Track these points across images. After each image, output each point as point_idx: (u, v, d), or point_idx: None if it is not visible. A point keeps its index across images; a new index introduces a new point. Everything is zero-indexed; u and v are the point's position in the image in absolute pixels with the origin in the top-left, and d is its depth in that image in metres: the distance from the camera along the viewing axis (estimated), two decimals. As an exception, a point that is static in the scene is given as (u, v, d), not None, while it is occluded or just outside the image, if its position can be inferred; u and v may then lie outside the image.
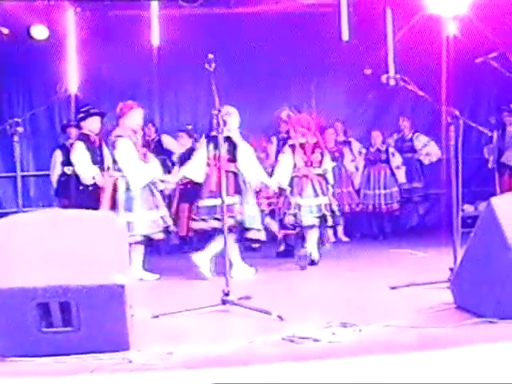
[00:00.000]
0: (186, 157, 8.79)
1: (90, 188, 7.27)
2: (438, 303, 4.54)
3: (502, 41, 8.04)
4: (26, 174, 9.89)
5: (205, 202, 6.44)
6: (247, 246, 7.30)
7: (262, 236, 6.64)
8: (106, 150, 7.51)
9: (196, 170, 6.67)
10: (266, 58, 9.69)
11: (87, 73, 9.51)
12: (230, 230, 6.34)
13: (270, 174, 7.22)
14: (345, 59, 9.75)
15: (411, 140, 10.11)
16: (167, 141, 9.25)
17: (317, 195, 7.20)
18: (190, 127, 9.18)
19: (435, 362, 3.24)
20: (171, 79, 10.01)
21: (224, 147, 6.30)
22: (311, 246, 7.21)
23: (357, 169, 9.95)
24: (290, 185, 7.16)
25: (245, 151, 6.62)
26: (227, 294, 4.70)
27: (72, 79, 9.57)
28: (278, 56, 9.71)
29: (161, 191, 6.95)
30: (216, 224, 6.29)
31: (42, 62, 9.52)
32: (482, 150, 9.91)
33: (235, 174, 6.52)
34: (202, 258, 6.39)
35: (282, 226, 7.29)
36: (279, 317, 4.33)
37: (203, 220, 6.40)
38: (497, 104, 10.06)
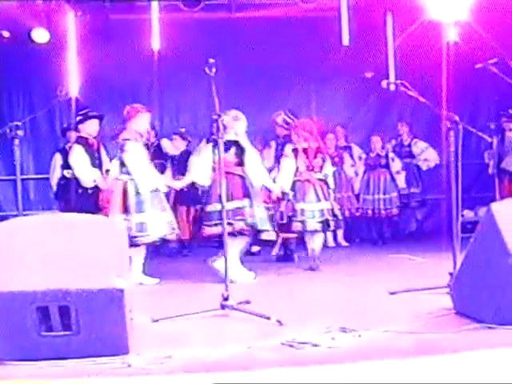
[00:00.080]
0: (180, 160, 8.81)
1: (90, 191, 7.28)
2: (437, 309, 4.54)
3: (502, 47, 8.04)
4: (26, 177, 9.89)
5: (215, 207, 6.39)
6: (246, 250, 7.30)
7: (274, 236, 6.73)
8: (104, 153, 7.53)
9: (202, 174, 6.66)
10: (267, 62, 9.69)
11: (88, 76, 9.52)
12: (243, 233, 6.40)
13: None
14: (345, 64, 9.75)
15: (409, 145, 10.12)
16: (166, 145, 9.25)
17: (319, 200, 7.23)
18: (183, 130, 9.19)
19: (434, 368, 3.24)
20: (171, 83, 10.02)
21: (232, 151, 6.51)
22: (317, 248, 7.26)
23: (356, 174, 9.96)
24: (292, 189, 7.16)
25: (252, 156, 6.68)
26: (226, 299, 4.69)
27: (72, 82, 9.57)
28: (278, 60, 9.71)
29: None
30: (229, 228, 6.33)
31: (43, 66, 9.53)
32: (481, 155, 9.91)
33: (242, 178, 6.57)
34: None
35: (282, 229, 7.29)
36: (278, 321, 4.33)
37: (216, 225, 6.36)
38: (497, 110, 10.07)
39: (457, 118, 5.20)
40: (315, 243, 7.30)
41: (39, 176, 9.88)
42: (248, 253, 7.50)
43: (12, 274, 3.50)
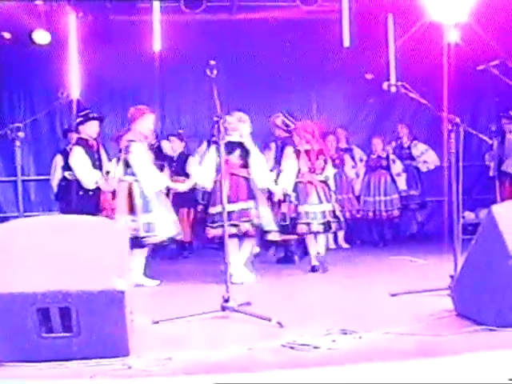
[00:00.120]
0: (178, 161, 8.81)
1: (90, 193, 7.29)
2: (438, 310, 4.54)
3: (503, 48, 8.04)
4: (26, 178, 9.89)
5: (218, 209, 6.35)
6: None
7: (279, 237, 6.77)
8: (104, 154, 7.53)
9: (207, 176, 6.66)
10: (268, 64, 9.69)
11: (89, 78, 9.52)
12: (249, 234, 6.41)
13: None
14: (346, 66, 9.76)
15: (409, 147, 10.12)
16: (167, 147, 9.26)
17: (321, 202, 7.24)
18: (181, 131, 9.19)
19: (435, 370, 3.24)
20: (172, 85, 10.02)
21: (237, 153, 6.57)
22: (321, 251, 7.29)
23: (357, 175, 9.95)
24: (294, 191, 7.17)
25: (257, 158, 6.71)
26: (227, 300, 4.69)
27: (74, 84, 9.58)
28: (279, 62, 9.72)
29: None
30: (234, 230, 6.36)
31: (44, 67, 9.53)
32: (482, 157, 9.90)
33: (247, 179, 6.60)
34: (236, 266, 6.46)
35: (284, 231, 7.28)
36: (279, 323, 4.33)
37: (220, 227, 6.37)
38: (497, 111, 10.07)
39: (458, 119, 5.19)
40: (319, 245, 7.32)
41: (40, 177, 9.88)
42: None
43: (12, 276, 3.50)
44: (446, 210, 9.57)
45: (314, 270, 7.14)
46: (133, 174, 6.49)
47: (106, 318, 3.52)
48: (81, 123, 7.45)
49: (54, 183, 8.53)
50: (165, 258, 8.46)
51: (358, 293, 5.72)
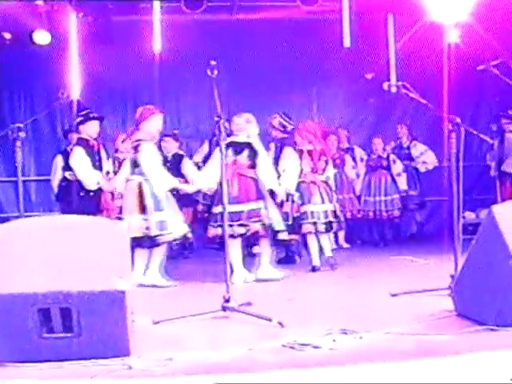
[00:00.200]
0: (173, 161, 8.78)
1: (91, 193, 7.28)
2: (438, 311, 4.54)
3: (504, 48, 8.05)
4: (27, 178, 9.90)
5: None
6: (248, 252, 7.29)
7: (287, 236, 6.78)
8: (104, 155, 7.52)
9: (214, 177, 6.65)
10: (268, 64, 9.70)
11: (89, 78, 9.52)
12: (261, 234, 6.47)
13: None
14: (346, 66, 9.77)
15: (408, 148, 10.12)
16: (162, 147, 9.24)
17: (323, 202, 7.29)
18: (176, 132, 9.17)
19: (436, 370, 3.23)
20: (173, 85, 10.03)
21: (245, 153, 6.60)
22: (328, 253, 7.34)
23: (358, 175, 9.96)
24: (297, 190, 7.18)
25: (264, 159, 6.75)
26: (228, 301, 4.69)
27: (74, 84, 9.57)
28: (279, 62, 9.73)
29: None
30: (243, 230, 6.38)
31: (44, 67, 9.54)
32: (483, 157, 9.91)
33: (255, 180, 6.62)
34: (264, 266, 6.57)
35: (288, 231, 7.28)
36: (280, 323, 4.33)
37: (229, 226, 6.36)
38: (498, 111, 10.07)
39: (458, 119, 5.19)
40: (325, 247, 7.36)
41: (40, 178, 9.88)
42: (249, 254, 7.49)
43: (13, 276, 3.51)
44: (445, 210, 9.58)
45: (314, 269, 7.15)
46: (141, 174, 6.46)
47: (107, 318, 3.52)
48: (81, 123, 7.45)
49: (55, 184, 8.52)
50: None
51: (358, 293, 5.72)
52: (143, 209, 6.36)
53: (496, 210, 4.05)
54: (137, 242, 6.30)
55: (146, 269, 6.45)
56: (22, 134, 5.53)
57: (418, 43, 9.23)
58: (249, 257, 7.32)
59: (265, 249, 6.71)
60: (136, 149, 6.45)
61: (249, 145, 6.65)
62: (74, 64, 9.61)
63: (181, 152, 8.94)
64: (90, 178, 7.20)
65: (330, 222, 7.29)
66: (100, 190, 7.24)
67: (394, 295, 5.27)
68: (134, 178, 6.47)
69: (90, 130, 7.37)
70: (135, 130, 6.58)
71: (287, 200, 7.17)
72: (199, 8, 9.19)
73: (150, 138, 6.54)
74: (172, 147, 8.91)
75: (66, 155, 7.94)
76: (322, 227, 7.24)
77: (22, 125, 5.62)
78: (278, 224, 6.63)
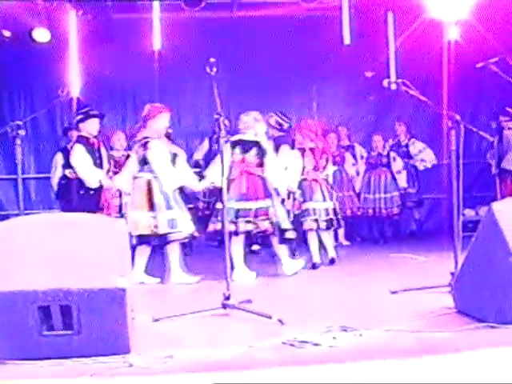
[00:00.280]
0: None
1: (91, 191, 7.28)
2: (438, 308, 4.54)
3: (503, 46, 8.04)
4: (27, 176, 9.91)
5: (230, 204, 6.24)
6: (248, 250, 7.30)
7: (294, 235, 6.78)
8: (104, 152, 7.51)
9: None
10: (268, 61, 9.70)
11: (89, 76, 9.52)
12: (269, 232, 6.49)
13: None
14: (346, 63, 9.76)
15: (407, 146, 10.11)
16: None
17: (325, 199, 7.33)
18: (170, 131, 9.17)
19: (436, 367, 3.24)
20: (172, 83, 10.02)
21: (253, 152, 6.62)
22: (331, 253, 7.40)
23: (358, 173, 9.96)
24: (299, 188, 7.20)
25: (272, 158, 6.76)
26: (228, 298, 4.69)
27: (74, 82, 9.57)
28: (279, 60, 9.72)
29: None
30: (250, 227, 6.41)
31: (44, 65, 9.53)
32: (482, 154, 9.92)
33: (263, 178, 6.63)
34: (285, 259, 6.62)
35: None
36: (280, 321, 4.33)
37: (233, 223, 6.37)
38: (498, 109, 10.06)
39: (458, 117, 5.19)
40: (328, 246, 7.42)
41: (40, 175, 9.89)
42: (249, 252, 7.51)
43: (13, 274, 3.51)
44: (445, 207, 9.58)
45: (314, 267, 7.16)
46: (150, 171, 6.44)
47: (107, 315, 3.52)
48: (81, 121, 7.44)
49: (55, 181, 8.52)
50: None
51: (358, 290, 5.73)
52: (152, 206, 6.34)
53: (496, 208, 4.05)
54: (144, 240, 6.30)
55: (168, 272, 6.43)
56: (21, 132, 5.53)
57: (418, 41, 9.22)
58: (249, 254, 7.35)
59: (281, 249, 6.65)
60: (145, 146, 6.43)
61: (257, 143, 6.66)
62: (74, 62, 9.61)
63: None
64: (91, 176, 7.19)
65: (331, 220, 7.35)
66: (100, 187, 7.23)
67: (393, 292, 5.27)
68: (142, 175, 6.45)
69: (91, 127, 7.36)
70: (142, 128, 6.56)
71: (289, 197, 7.18)
72: (199, 5, 9.19)
73: (157, 135, 6.53)
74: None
75: (66, 153, 7.94)
76: (323, 224, 7.29)
77: (21, 122, 5.61)
78: (286, 222, 6.64)
